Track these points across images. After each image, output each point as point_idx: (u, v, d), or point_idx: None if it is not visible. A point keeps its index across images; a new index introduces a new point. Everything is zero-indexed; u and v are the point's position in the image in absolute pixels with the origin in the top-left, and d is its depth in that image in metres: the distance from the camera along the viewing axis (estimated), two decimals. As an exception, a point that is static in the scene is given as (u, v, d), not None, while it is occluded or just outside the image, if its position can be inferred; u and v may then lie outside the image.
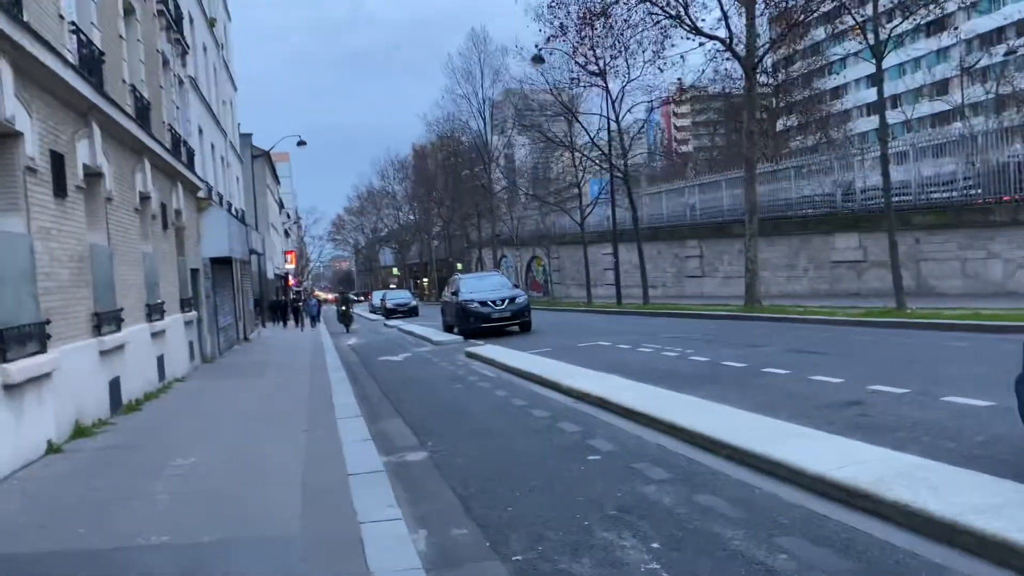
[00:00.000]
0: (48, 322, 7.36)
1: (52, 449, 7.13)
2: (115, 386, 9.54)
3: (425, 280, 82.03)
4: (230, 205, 24.73)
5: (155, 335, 11.94)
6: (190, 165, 16.69)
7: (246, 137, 38.75)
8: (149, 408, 10.25)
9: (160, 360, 12.28)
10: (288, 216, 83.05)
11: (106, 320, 9.32)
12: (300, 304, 38.01)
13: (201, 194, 18.34)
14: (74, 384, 8.00)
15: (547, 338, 18.39)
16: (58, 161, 8.13)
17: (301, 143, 38.24)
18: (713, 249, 30.70)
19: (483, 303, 20.56)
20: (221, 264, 21.32)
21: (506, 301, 20.56)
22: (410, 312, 41.95)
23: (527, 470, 6.00)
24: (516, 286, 24.22)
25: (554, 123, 35.74)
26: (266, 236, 40.87)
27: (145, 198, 12.28)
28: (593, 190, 36.95)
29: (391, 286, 72.58)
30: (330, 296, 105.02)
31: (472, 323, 20.43)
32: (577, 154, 34.34)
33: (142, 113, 12.34)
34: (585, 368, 11.16)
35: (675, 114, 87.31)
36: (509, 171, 52.46)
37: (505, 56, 54.19)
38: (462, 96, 49.50)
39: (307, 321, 33.76)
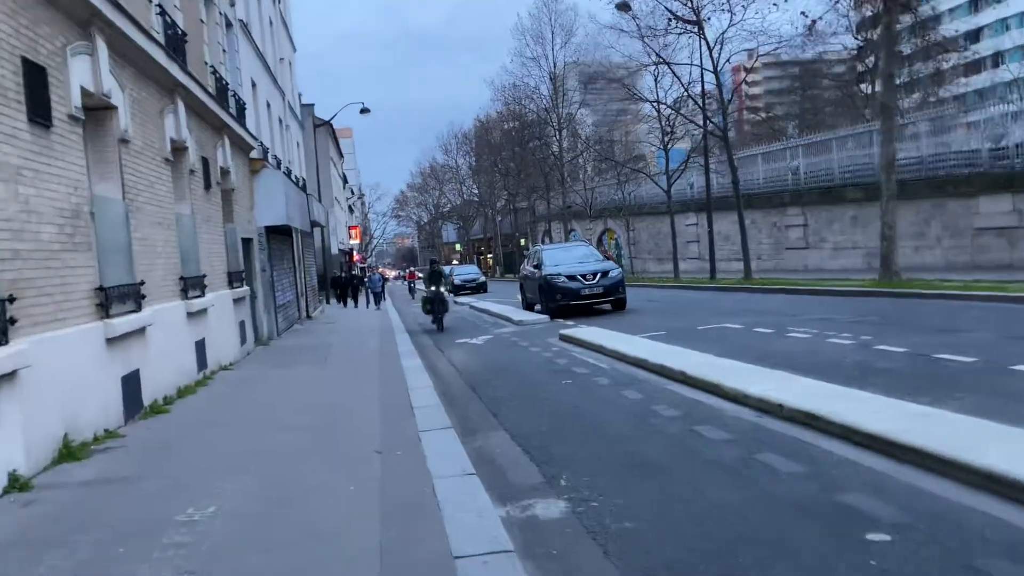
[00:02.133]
0: (12, 300, 5.12)
1: (15, 486, 4.87)
2: (132, 383, 7.32)
3: (489, 256, 79.68)
4: (289, 171, 22.67)
5: (192, 315, 9.76)
6: (240, 119, 14.52)
7: (308, 107, 36.90)
8: (179, 409, 8.05)
9: (200, 345, 10.11)
10: (352, 192, 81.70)
11: (117, 297, 7.10)
12: (363, 280, 35.86)
13: (255, 154, 16.22)
14: (61, 386, 5.77)
15: (649, 318, 15.68)
16: (36, 76, 5.86)
17: (364, 110, 36.36)
18: (820, 217, 27.27)
19: (571, 277, 17.92)
20: (280, 235, 19.28)
21: (597, 275, 17.85)
22: (479, 288, 39.70)
23: (757, 552, 3.44)
24: (608, 258, 21.51)
25: (635, 81, 32.56)
26: (330, 210, 39.03)
27: (179, 149, 10.07)
28: (665, 160, 33.55)
29: (454, 262, 70.42)
30: (392, 272, 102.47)
31: (559, 300, 17.86)
32: (664, 110, 30.98)
33: (175, 44, 10.09)
34: (734, 361, 8.50)
35: (747, 83, 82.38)
36: (575, 139, 49.08)
37: (577, 15, 50.93)
38: (531, 59, 46.47)
39: (371, 298, 31.63)
